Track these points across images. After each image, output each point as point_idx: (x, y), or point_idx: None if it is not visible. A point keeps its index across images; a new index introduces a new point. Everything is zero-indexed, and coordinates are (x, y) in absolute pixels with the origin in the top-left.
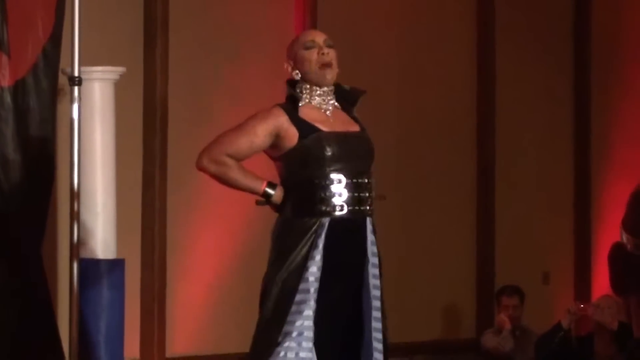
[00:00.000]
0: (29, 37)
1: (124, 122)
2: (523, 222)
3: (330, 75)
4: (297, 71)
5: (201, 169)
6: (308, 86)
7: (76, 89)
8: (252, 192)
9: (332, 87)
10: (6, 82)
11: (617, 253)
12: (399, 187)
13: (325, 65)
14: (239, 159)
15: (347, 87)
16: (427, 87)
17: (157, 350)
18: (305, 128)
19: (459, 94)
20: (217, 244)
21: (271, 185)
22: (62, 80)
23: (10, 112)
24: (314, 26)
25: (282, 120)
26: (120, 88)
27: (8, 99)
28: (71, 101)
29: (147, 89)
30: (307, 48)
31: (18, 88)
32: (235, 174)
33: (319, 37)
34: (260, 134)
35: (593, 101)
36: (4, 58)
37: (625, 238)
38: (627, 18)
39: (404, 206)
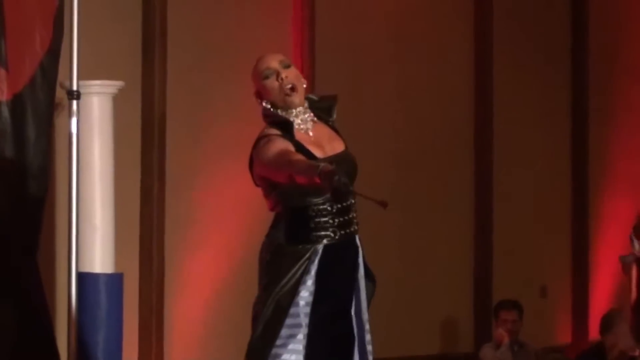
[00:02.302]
0: (27, 50)
1: (122, 136)
2: (520, 236)
3: (298, 98)
4: (266, 101)
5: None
6: (282, 111)
7: (75, 102)
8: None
9: (305, 104)
10: (4, 96)
11: None
12: (397, 201)
13: (290, 91)
14: None
15: (315, 97)
16: (424, 102)
17: None
18: (302, 154)
19: (456, 107)
20: (215, 256)
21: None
22: (61, 94)
23: (7, 125)
24: (312, 40)
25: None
26: (118, 101)
27: (6, 112)
28: (69, 115)
29: (146, 102)
30: (266, 77)
31: (16, 102)
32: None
33: (273, 62)
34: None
35: (591, 116)
36: (2, 72)
37: (638, 246)
38: (624, 34)
39: (402, 220)
